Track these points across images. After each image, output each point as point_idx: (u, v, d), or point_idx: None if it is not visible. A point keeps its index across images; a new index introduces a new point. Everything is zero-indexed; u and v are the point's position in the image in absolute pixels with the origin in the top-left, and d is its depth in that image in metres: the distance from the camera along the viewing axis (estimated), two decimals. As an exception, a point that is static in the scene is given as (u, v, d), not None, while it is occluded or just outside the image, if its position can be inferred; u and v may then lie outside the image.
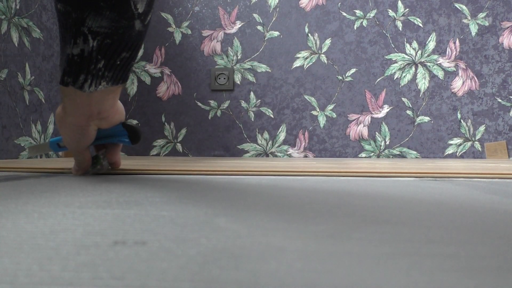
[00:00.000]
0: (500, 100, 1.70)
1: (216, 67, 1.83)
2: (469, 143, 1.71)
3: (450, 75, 1.73)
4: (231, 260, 0.20)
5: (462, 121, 1.72)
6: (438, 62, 1.73)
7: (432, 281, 0.17)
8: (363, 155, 1.76)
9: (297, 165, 0.94)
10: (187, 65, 1.84)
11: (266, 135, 1.80)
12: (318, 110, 1.78)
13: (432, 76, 1.73)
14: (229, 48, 1.82)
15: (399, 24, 1.75)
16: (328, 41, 1.78)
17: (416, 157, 1.73)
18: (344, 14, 1.77)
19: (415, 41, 1.74)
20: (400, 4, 1.75)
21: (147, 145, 1.87)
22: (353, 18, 1.77)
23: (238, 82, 1.82)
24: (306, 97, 1.79)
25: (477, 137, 1.71)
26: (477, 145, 1.71)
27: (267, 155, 1.81)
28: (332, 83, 1.78)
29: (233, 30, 1.82)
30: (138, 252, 0.21)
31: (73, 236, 0.25)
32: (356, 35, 1.77)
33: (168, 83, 1.85)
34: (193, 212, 0.33)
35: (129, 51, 0.62)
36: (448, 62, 1.73)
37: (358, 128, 1.76)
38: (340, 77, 1.77)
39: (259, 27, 1.80)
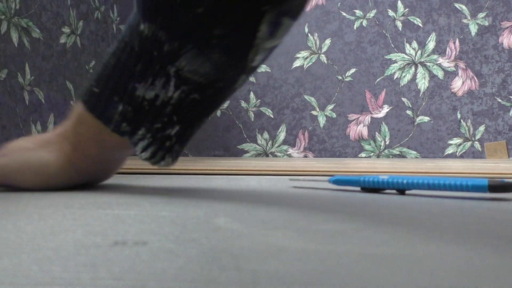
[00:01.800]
0: (500, 100, 1.70)
1: (216, 67, 1.83)
2: (469, 143, 1.71)
3: (450, 75, 1.73)
4: (231, 260, 0.20)
5: (462, 121, 1.72)
6: (438, 62, 1.73)
7: (432, 281, 0.17)
8: (363, 155, 1.76)
9: (297, 165, 0.94)
10: (187, 65, 1.84)
11: (266, 135, 1.80)
12: (318, 110, 1.78)
13: (432, 76, 1.73)
14: (229, 48, 1.82)
15: (399, 24, 1.75)
16: (328, 41, 1.78)
17: (416, 157, 1.73)
18: (344, 14, 1.77)
19: (415, 41, 1.74)
20: (400, 4, 1.75)
21: (147, 145, 1.87)
22: (353, 18, 1.77)
23: (238, 82, 1.82)
24: (306, 97, 1.79)
25: (477, 137, 1.71)
26: (477, 145, 1.71)
27: (267, 155, 1.81)
28: (332, 83, 1.78)
29: (233, 30, 1.82)
30: (138, 253, 0.21)
31: (73, 237, 0.25)
32: (356, 35, 1.77)
33: (168, 83, 1.85)
34: (193, 212, 0.33)
35: (210, 115, 0.45)
36: (448, 62, 1.73)
37: (358, 128, 1.76)
38: (340, 77, 1.77)
39: (259, 27, 1.80)
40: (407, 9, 1.75)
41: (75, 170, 0.47)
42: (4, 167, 0.46)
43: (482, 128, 1.71)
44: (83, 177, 0.48)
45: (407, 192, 0.47)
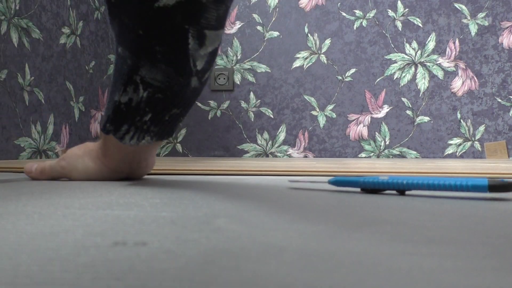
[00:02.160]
0: (499, 100, 1.70)
1: (216, 67, 1.83)
2: (469, 143, 1.71)
3: (450, 75, 1.73)
4: (231, 260, 0.20)
5: (462, 121, 1.72)
6: (437, 62, 1.73)
7: (432, 281, 0.17)
8: (363, 155, 1.76)
9: (297, 165, 0.94)
10: (186, 65, 1.84)
11: (266, 135, 1.80)
12: (318, 110, 1.78)
13: (432, 76, 1.73)
14: (229, 48, 1.82)
15: (399, 24, 1.75)
16: (327, 41, 1.78)
17: (416, 157, 1.73)
18: (344, 14, 1.77)
19: (414, 41, 1.74)
20: (399, 4, 1.75)
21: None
22: (352, 18, 1.77)
23: (238, 82, 1.82)
24: (306, 97, 1.79)
25: (477, 137, 1.71)
26: (477, 145, 1.71)
27: (267, 155, 1.81)
28: (332, 83, 1.78)
29: (233, 30, 1.82)
30: (138, 253, 0.21)
31: (73, 237, 0.25)
32: (356, 35, 1.77)
33: (168, 83, 1.85)
34: (193, 213, 0.33)
35: (181, 108, 0.57)
36: (447, 62, 1.73)
37: (358, 128, 1.76)
38: (340, 77, 1.77)
39: (259, 27, 1.80)
40: (407, 9, 1.75)
41: (109, 170, 0.61)
42: (63, 168, 0.62)
43: (482, 128, 1.71)
44: (118, 174, 0.62)
45: (407, 192, 0.47)
